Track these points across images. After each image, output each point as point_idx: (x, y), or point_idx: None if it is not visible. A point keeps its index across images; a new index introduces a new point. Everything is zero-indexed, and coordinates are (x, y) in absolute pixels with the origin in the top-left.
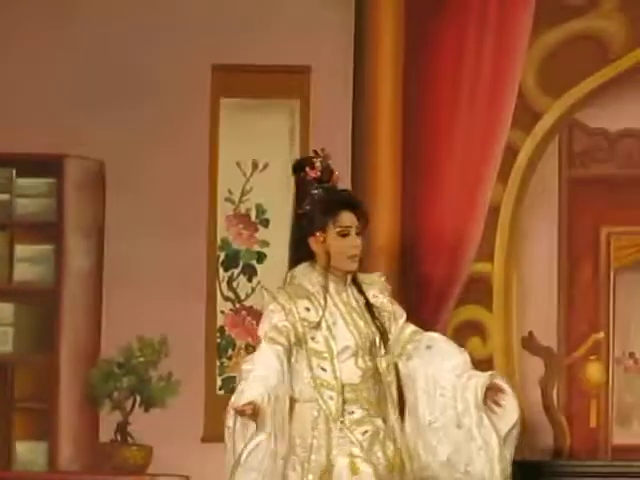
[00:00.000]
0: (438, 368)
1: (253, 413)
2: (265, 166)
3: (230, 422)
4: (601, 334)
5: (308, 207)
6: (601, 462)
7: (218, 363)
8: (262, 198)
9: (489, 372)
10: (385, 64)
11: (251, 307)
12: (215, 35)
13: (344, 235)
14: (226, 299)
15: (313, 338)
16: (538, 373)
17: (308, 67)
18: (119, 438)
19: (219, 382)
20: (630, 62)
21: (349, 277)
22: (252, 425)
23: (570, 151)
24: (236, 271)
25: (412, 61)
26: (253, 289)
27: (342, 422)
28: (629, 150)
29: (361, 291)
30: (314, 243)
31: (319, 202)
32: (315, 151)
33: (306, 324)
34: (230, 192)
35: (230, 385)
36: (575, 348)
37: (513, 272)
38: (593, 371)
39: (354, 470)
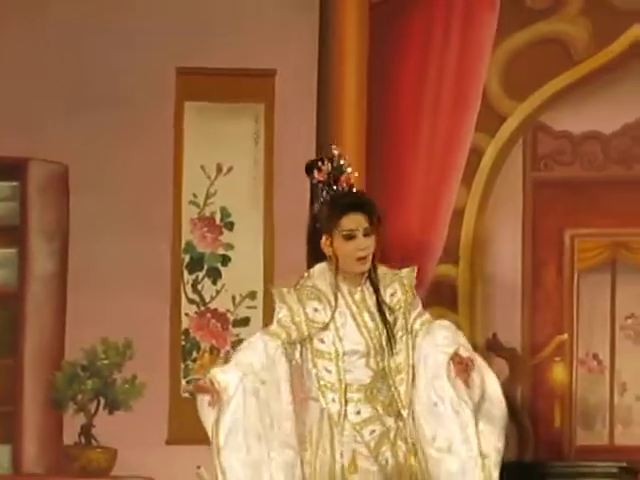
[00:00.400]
0: (428, 351)
1: (199, 389)
2: (229, 170)
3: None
4: (565, 335)
5: (316, 210)
6: (565, 463)
7: (182, 366)
8: (226, 201)
9: (456, 345)
10: (350, 68)
11: (215, 310)
12: (180, 38)
13: (349, 238)
14: (191, 302)
15: (320, 339)
16: (502, 374)
17: (273, 71)
18: (83, 440)
19: (183, 384)
20: (594, 65)
21: (364, 276)
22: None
23: (534, 154)
24: (201, 274)
25: (377, 66)
26: (218, 292)
27: (347, 421)
28: (593, 152)
29: (376, 289)
30: (323, 246)
31: (325, 206)
32: (326, 152)
33: (313, 325)
34: (194, 195)
35: None
36: (539, 350)
37: (477, 274)
38: (557, 372)
39: (353, 468)
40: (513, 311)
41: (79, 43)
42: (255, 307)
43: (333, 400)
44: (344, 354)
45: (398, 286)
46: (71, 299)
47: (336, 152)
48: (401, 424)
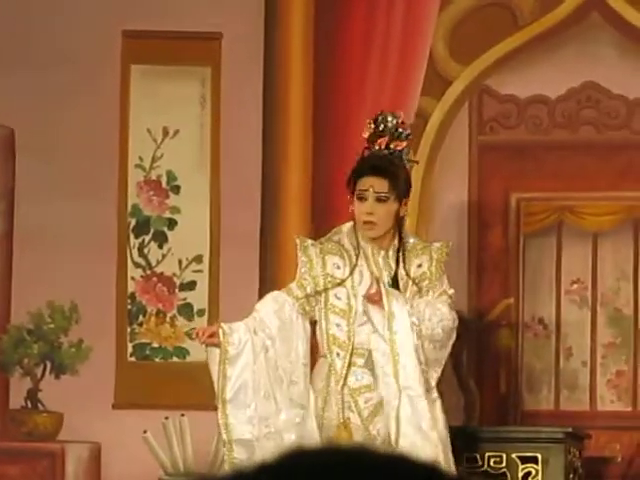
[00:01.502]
0: None
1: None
2: (176, 133)
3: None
4: (511, 300)
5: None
6: (510, 428)
7: (129, 330)
8: (173, 165)
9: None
10: (296, 31)
11: (162, 274)
12: (126, 0)
13: (361, 199)
14: (137, 265)
15: (336, 295)
16: None
17: (219, 34)
18: (29, 405)
19: (130, 349)
20: (539, 29)
21: (393, 241)
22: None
23: (480, 117)
24: (147, 238)
25: (323, 28)
26: (164, 256)
27: (347, 386)
28: (539, 116)
29: (397, 261)
30: (350, 205)
31: (354, 165)
32: (382, 113)
33: (331, 280)
34: (141, 159)
35: (141, 351)
36: (485, 314)
37: (423, 238)
38: (503, 337)
39: (347, 436)
40: (459, 275)
41: (24, 5)
42: (201, 271)
43: (338, 355)
44: (357, 312)
45: (427, 259)
46: (17, 262)
47: (390, 116)
48: None
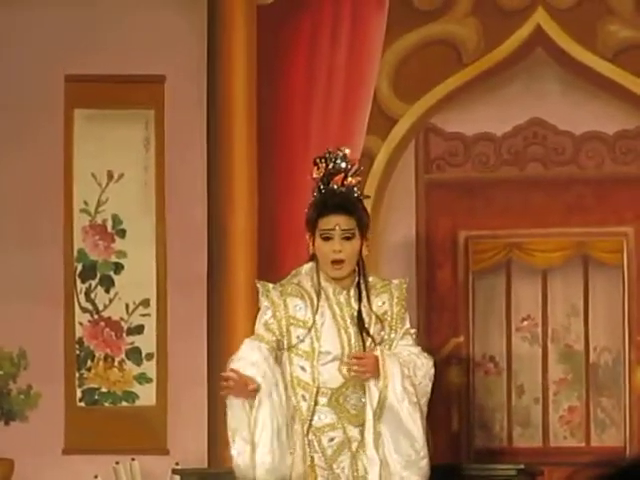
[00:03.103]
0: None
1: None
2: (120, 176)
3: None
4: (461, 338)
5: (307, 209)
6: (463, 466)
7: (77, 375)
8: (118, 209)
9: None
10: (239, 73)
11: (109, 318)
12: (68, 45)
13: (326, 239)
14: (84, 310)
15: (299, 337)
16: None
17: (162, 77)
18: None
19: (79, 394)
20: (483, 66)
21: (354, 280)
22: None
23: (426, 156)
24: (94, 282)
25: (266, 70)
26: (111, 300)
27: (310, 425)
28: (485, 154)
29: (360, 298)
30: (308, 245)
31: (311, 204)
32: (330, 151)
33: (294, 322)
34: (86, 203)
35: (90, 396)
36: (435, 352)
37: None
38: (454, 375)
39: (312, 477)
40: (409, 314)
41: None
42: (149, 315)
43: (303, 397)
44: (320, 353)
45: (387, 297)
46: None
47: (340, 153)
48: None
